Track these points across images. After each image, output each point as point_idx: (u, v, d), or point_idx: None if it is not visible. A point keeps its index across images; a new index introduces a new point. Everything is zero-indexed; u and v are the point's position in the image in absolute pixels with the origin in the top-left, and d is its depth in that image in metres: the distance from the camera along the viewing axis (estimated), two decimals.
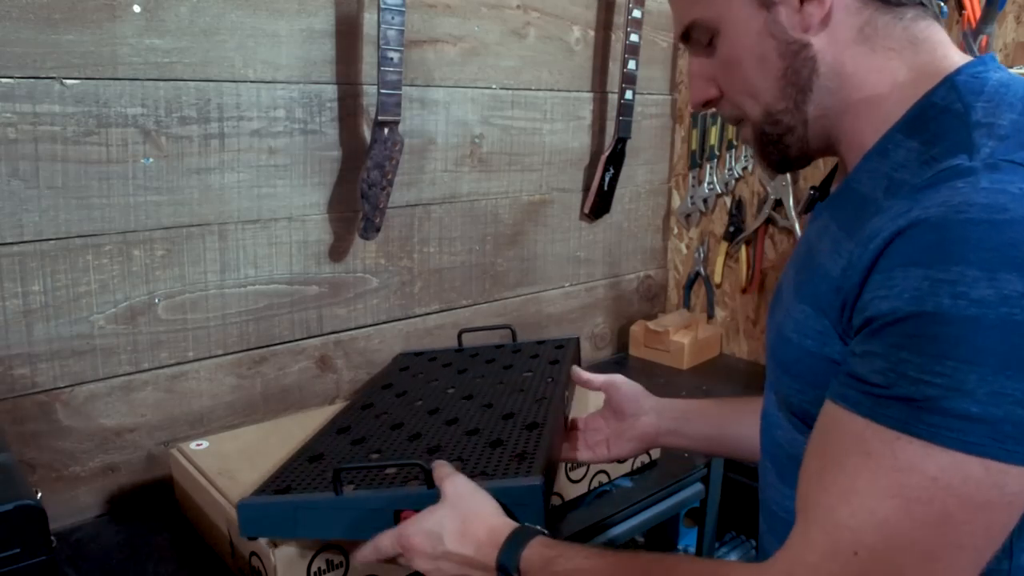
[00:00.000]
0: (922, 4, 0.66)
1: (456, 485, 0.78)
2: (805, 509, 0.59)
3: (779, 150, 0.72)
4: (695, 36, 0.71)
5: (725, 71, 0.70)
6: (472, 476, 0.81)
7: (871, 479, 0.53)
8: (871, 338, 0.55)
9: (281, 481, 0.86)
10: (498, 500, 0.79)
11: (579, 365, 1.10)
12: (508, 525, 0.75)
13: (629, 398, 0.98)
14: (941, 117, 0.61)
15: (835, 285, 0.61)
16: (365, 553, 0.80)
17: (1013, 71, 1.26)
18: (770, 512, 0.77)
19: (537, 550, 0.72)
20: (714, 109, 0.75)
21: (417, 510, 0.78)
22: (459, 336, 1.28)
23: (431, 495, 0.78)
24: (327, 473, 0.86)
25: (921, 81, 0.64)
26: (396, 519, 0.79)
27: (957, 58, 0.66)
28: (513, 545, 0.73)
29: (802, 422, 0.69)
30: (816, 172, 1.54)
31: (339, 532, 0.81)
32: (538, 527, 0.76)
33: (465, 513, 0.76)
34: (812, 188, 0.79)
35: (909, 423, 0.52)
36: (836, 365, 0.62)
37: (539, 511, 0.79)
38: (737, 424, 0.94)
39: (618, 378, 1.00)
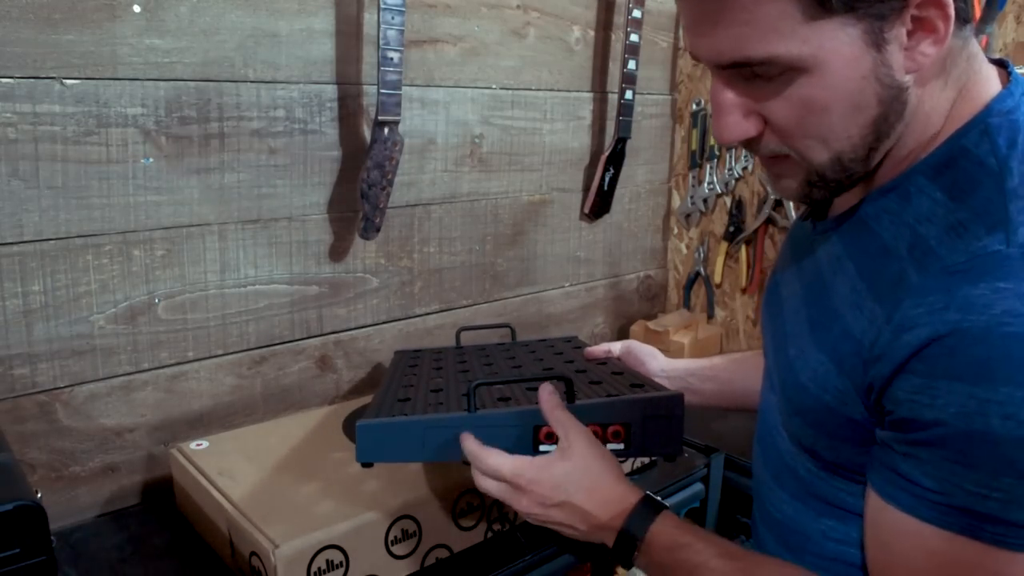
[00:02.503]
0: (968, 20, 0.59)
1: (587, 439, 0.76)
2: None
3: (828, 192, 0.64)
4: (760, 71, 0.57)
5: (798, 113, 0.59)
6: (613, 394, 0.82)
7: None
8: (918, 446, 0.55)
9: (399, 408, 0.84)
10: (644, 414, 0.80)
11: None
12: (636, 492, 0.73)
13: (641, 362, 1.03)
14: (972, 171, 0.57)
15: (858, 351, 0.59)
16: (479, 481, 0.77)
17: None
18: (765, 510, 0.78)
19: (667, 529, 0.70)
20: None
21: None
22: (457, 334, 1.28)
23: (575, 409, 0.77)
24: (442, 402, 0.85)
25: (957, 116, 0.59)
26: (535, 437, 0.78)
27: (987, 74, 0.61)
28: (643, 514, 0.71)
29: (809, 454, 0.69)
30: None
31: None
32: (665, 502, 0.74)
33: (597, 470, 0.74)
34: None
35: (973, 529, 0.53)
36: (856, 423, 0.62)
37: (680, 425, 0.81)
38: (744, 378, 0.96)
39: (632, 343, 1.06)
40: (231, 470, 0.96)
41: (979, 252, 0.53)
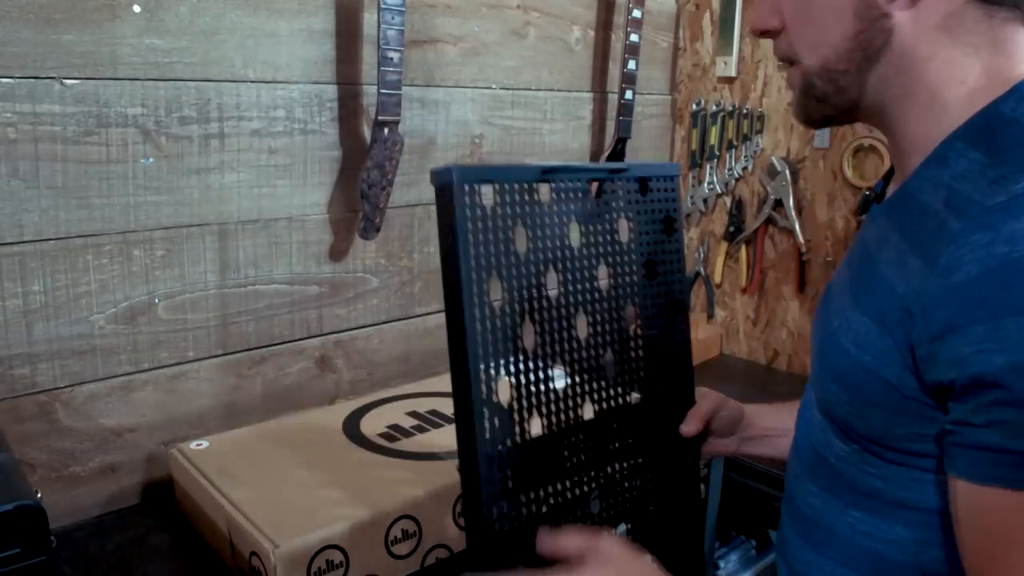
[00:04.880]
0: (1018, 7, 0.62)
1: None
2: None
3: (821, 107, 0.69)
4: None
5: (795, 7, 0.67)
6: None
7: None
8: (999, 406, 0.52)
9: None
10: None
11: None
12: None
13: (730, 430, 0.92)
14: (1009, 130, 0.58)
15: (903, 305, 0.58)
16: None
17: None
18: (794, 506, 0.76)
19: None
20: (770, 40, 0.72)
21: None
22: None
23: None
24: None
25: (992, 86, 0.61)
26: None
27: None
28: None
29: (842, 430, 0.68)
30: (815, 171, 1.54)
31: None
32: None
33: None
34: (867, 190, 0.76)
35: None
36: (892, 387, 0.60)
37: None
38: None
39: (717, 403, 0.91)
40: (231, 470, 0.96)
41: (1019, 193, 0.53)
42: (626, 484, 0.82)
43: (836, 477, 0.69)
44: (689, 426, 0.87)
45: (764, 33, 0.71)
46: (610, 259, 0.81)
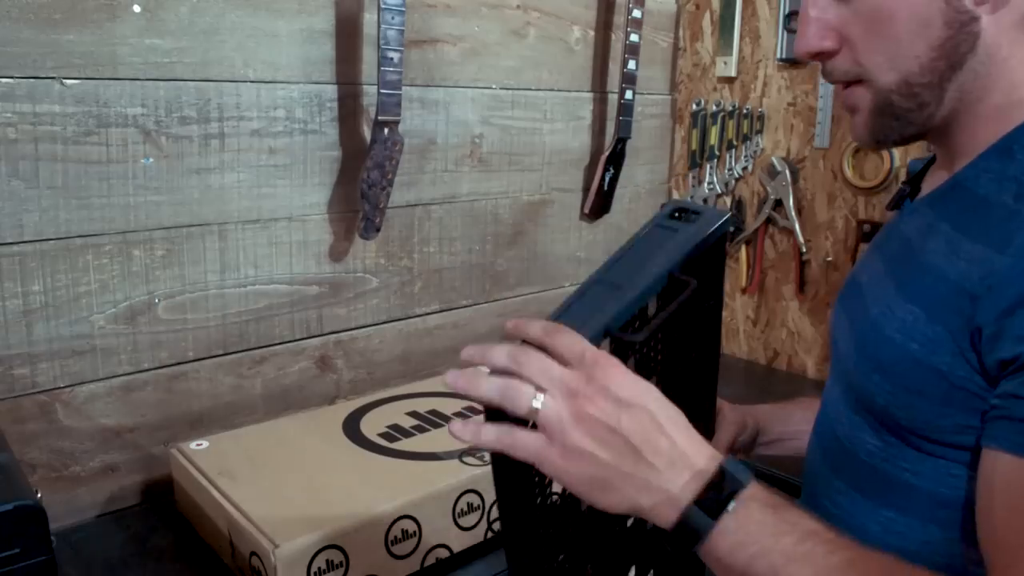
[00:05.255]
0: None
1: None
2: None
3: (899, 125, 0.65)
4: None
5: (866, 24, 0.62)
6: None
7: None
8: None
9: None
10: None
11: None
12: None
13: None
14: None
15: (955, 290, 0.58)
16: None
17: None
18: (817, 504, 0.74)
19: (765, 490, 0.56)
20: (819, 63, 0.67)
21: None
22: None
23: None
24: None
25: None
26: None
27: None
28: (739, 467, 0.56)
29: (880, 423, 0.66)
30: (815, 171, 1.54)
31: None
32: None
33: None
34: (904, 183, 0.75)
35: None
36: (940, 375, 0.59)
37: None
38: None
39: (737, 429, 0.86)
40: (231, 470, 0.96)
41: None
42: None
43: (868, 474, 0.67)
44: None
45: (817, 55, 0.66)
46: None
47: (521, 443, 0.54)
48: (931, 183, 0.70)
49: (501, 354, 0.56)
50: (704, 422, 0.80)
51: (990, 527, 0.55)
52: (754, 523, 0.53)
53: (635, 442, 0.53)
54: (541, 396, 0.54)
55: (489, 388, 0.55)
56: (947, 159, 0.68)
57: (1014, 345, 0.53)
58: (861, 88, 0.65)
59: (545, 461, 0.54)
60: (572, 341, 0.55)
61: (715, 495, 0.53)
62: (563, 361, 0.55)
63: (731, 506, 0.52)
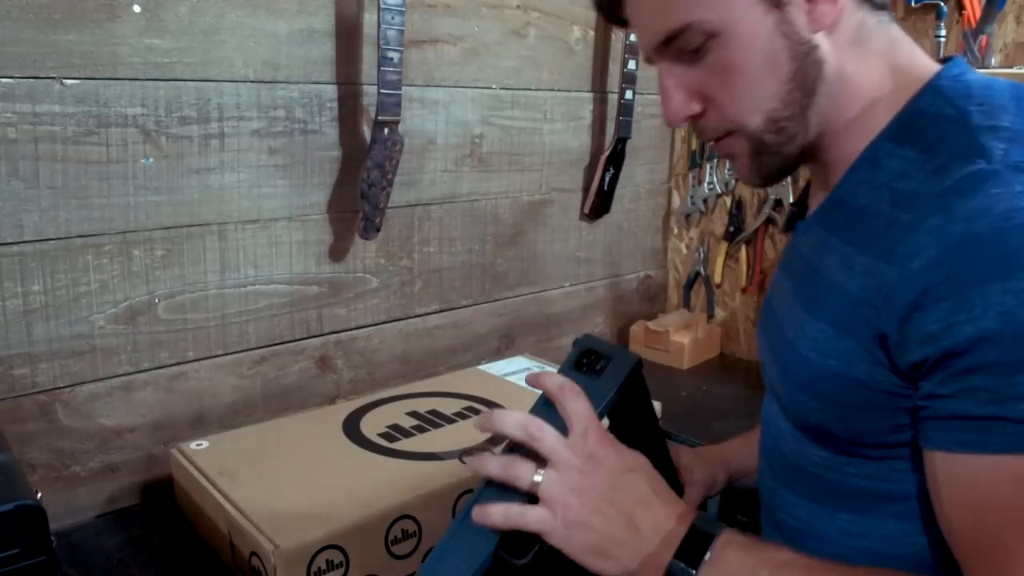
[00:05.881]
0: (888, 9, 0.67)
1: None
2: (998, 566, 0.53)
3: (778, 160, 0.68)
4: (682, 43, 0.64)
5: (721, 80, 0.65)
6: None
7: None
8: (968, 374, 0.53)
9: None
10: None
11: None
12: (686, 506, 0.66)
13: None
14: (935, 124, 0.60)
15: (856, 302, 0.59)
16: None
17: (1013, 71, 1.26)
18: (777, 519, 0.76)
19: (738, 535, 0.62)
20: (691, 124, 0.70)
21: None
22: None
23: None
24: None
25: (903, 86, 0.64)
26: None
27: (927, 60, 0.66)
28: (709, 519, 0.63)
29: (818, 437, 0.68)
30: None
31: None
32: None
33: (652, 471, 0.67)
34: (792, 204, 0.78)
35: None
36: (862, 385, 0.61)
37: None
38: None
39: (704, 490, 0.91)
40: (231, 470, 0.96)
41: (964, 175, 0.55)
42: None
43: (818, 484, 0.69)
44: None
45: (687, 119, 0.69)
46: None
47: (528, 519, 0.63)
48: (816, 201, 0.73)
49: (515, 425, 0.66)
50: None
51: (948, 525, 0.57)
52: (732, 564, 0.60)
53: (628, 513, 0.62)
54: (541, 472, 0.63)
55: (493, 467, 0.65)
56: (823, 177, 0.71)
57: (920, 348, 0.55)
58: (733, 138, 0.68)
59: (551, 533, 0.62)
60: (582, 410, 0.65)
61: (692, 547, 0.60)
62: (569, 425, 0.65)
63: (707, 555, 0.59)
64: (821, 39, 0.63)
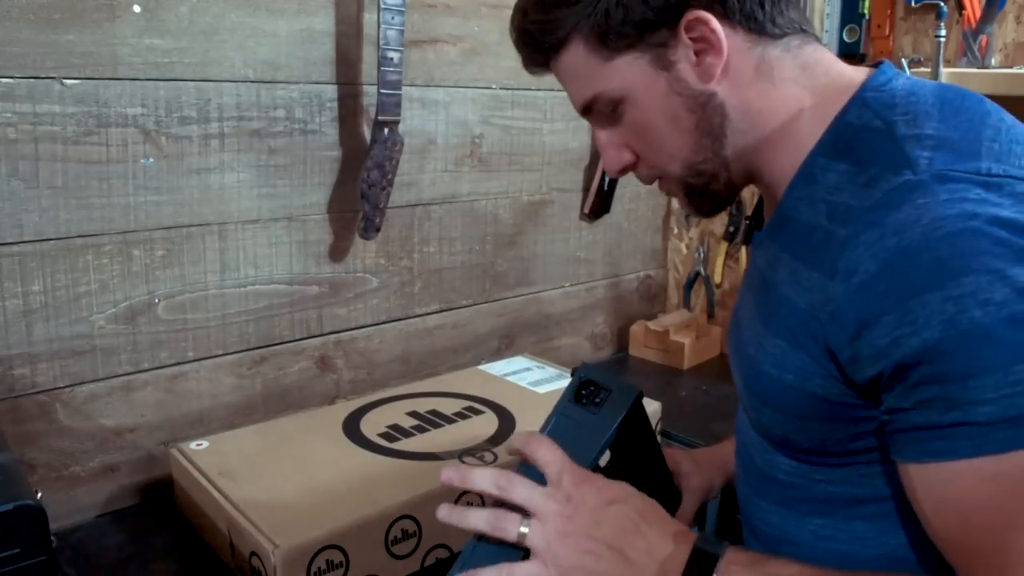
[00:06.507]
0: (803, 30, 0.67)
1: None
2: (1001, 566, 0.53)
3: (709, 197, 0.73)
4: (598, 108, 0.71)
5: (638, 136, 0.71)
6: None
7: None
8: (923, 386, 0.53)
9: None
10: None
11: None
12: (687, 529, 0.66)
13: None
14: (863, 137, 0.62)
15: (805, 318, 0.61)
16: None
17: (1013, 71, 1.26)
18: (753, 526, 0.77)
19: (741, 551, 0.62)
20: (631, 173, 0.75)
21: None
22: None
23: None
24: None
25: (827, 102, 0.65)
26: None
27: (852, 72, 0.67)
28: (710, 539, 0.63)
29: (782, 448, 0.70)
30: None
31: None
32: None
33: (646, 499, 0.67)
34: (747, 218, 0.80)
35: (1020, 437, 0.51)
36: (819, 398, 0.62)
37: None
38: None
39: (702, 496, 0.92)
40: (231, 470, 0.96)
41: (892, 187, 0.56)
42: None
43: (788, 492, 0.70)
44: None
45: (623, 170, 0.74)
46: None
47: (519, 574, 0.63)
48: (768, 214, 0.74)
49: (485, 480, 0.67)
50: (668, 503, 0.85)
51: (936, 535, 0.57)
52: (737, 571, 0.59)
53: (617, 546, 0.62)
54: (527, 522, 0.64)
55: (478, 520, 0.66)
56: (768, 194, 0.73)
57: (873, 364, 0.56)
58: (664, 182, 0.74)
59: None
60: (552, 457, 0.66)
61: (698, 567, 0.60)
62: (544, 473, 0.65)
63: (720, 560, 0.60)
64: (717, 86, 0.66)
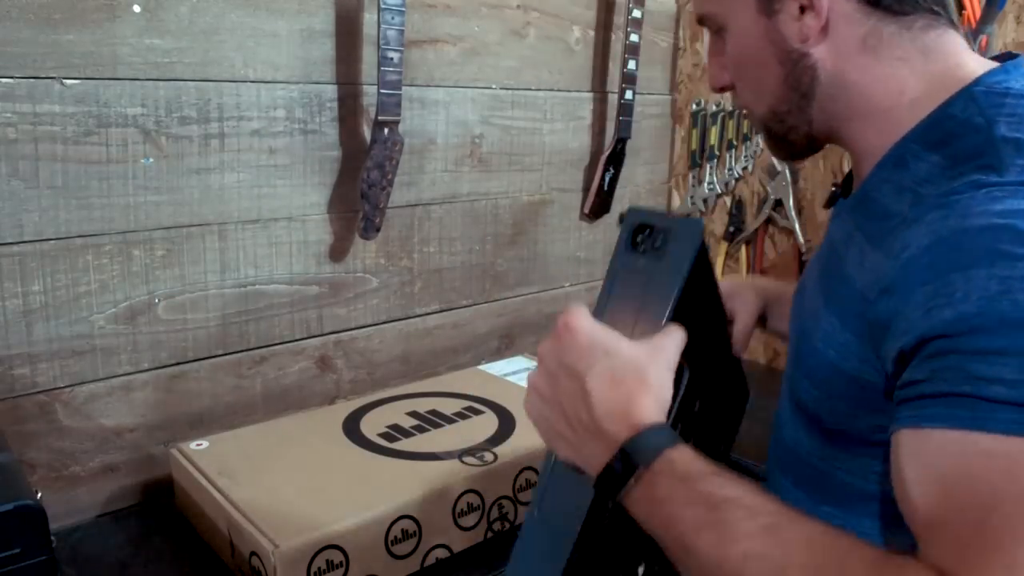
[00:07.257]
0: (934, 12, 0.64)
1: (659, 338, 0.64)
2: (987, 545, 0.48)
3: (786, 145, 0.74)
4: (707, 26, 0.73)
5: (734, 67, 0.72)
6: None
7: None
8: (938, 356, 0.51)
9: None
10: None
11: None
12: (661, 416, 0.60)
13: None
14: (962, 131, 0.60)
15: (858, 298, 0.61)
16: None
17: None
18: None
19: (688, 457, 0.57)
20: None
21: None
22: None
23: None
24: None
25: (935, 91, 0.63)
26: None
27: (975, 66, 0.64)
28: (662, 434, 0.58)
29: (811, 424, 0.70)
30: (815, 171, 1.54)
31: None
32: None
33: (644, 366, 0.61)
34: (834, 184, 0.80)
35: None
36: (852, 379, 0.62)
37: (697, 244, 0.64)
38: None
39: (753, 319, 0.97)
40: (231, 470, 0.96)
41: (972, 180, 0.56)
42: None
43: (808, 472, 0.71)
44: (738, 349, 0.96)
45: (722, 89, 0.76)
46: None
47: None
48: (855, 185, 0.74)
49: None
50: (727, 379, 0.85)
51: (908, 504, 0.53)
52: (659, 495, 0.56)
53: (566, 411, 0.62)
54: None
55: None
56: (855, 165, 0.72)
57: (901, 338, 0.54)
58: (750, 116, 0.76)
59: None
60: (568, 313, 0.67)
61: (614, 470, 0.58)
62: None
63: (630, 481, 0.57)
64: (812, 48, 0.66)
